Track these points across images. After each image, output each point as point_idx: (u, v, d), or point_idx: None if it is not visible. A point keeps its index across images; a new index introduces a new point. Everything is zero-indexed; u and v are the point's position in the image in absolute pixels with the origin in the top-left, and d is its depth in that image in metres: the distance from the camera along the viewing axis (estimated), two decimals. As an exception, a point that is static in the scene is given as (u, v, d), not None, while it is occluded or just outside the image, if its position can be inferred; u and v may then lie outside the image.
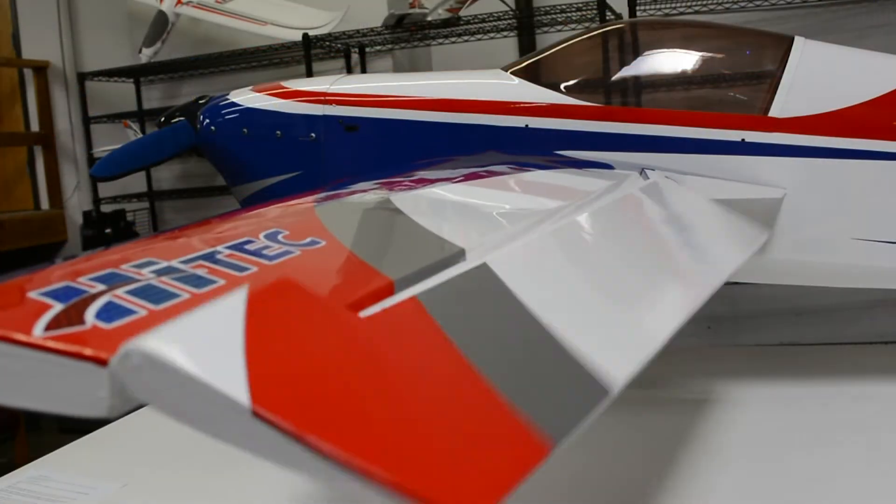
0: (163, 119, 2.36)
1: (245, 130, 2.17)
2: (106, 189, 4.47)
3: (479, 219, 1.31)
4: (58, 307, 0.67)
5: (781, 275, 1.93)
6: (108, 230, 4.42)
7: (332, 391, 0.64)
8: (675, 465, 1.51)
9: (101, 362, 0.60)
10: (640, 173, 1.73)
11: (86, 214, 4.57)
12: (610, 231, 1.32)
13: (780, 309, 3.67)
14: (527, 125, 1.92)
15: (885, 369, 1.97)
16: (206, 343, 0.61)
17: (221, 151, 2.24)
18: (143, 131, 4.28)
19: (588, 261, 1.17)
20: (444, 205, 1.33)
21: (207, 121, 2.23)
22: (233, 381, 0.58)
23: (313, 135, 2.08)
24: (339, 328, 0.73)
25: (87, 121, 4.57)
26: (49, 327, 0.63)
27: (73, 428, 3.15)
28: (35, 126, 4.84)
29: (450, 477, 0.60)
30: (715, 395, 1.85)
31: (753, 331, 3.75)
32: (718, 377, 1.96)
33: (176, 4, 4.07)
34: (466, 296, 0.91)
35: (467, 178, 1.53)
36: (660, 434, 1.65)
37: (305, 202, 1.21)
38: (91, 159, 4.43)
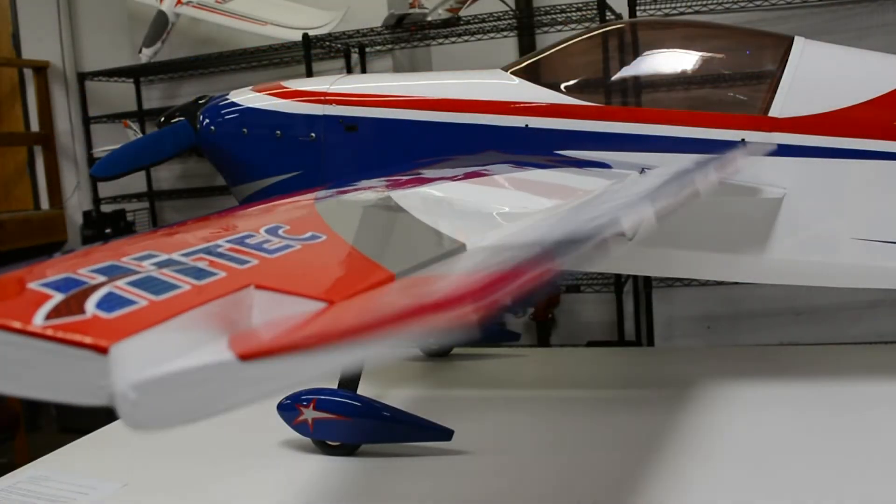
0: (163, 119, 2.36)
1: (245, 130, 2.17)
2: (106, 189, 4.47)
3: (478, 217, 1.32)
4: (58, 297, 0.67)
5: (781, 275, 1.93)
6: (108, 230, 4.42)
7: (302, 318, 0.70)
8: (675, 465, 1.51)
9: (102, 350, 0.60)
10: (640, 173, 1.73)
11: (86, 214, 4.57)
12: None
13: (780, 309, 3.67)
14: (527, 125, 1.92)
15: (885, 369, 1.97)
16: (183, 336, 0.64)
17: (221, 151, 2.24)
18: (143, 131, 4.28)
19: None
20: (444, 203, 1.33)
21: (207, 121, 2.23)
22: (215, 350, 0.62)
23: (313, 135, 2.08)
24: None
25: (87, 121, 4.57)
26: (49, 316, 0.63)
27: (73, 428, 3.15)
28: (35, 126, 4.84)
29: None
30: (714, 395, 1.85)
31: (753, 331, 3.75)
32: (718, 377, 1.96)
33: (176, 4, 4.07)
34: None
35: (467, 176, 1.53)
36: (659, 434, 1.65)
37: (306, 199, 1.21)
38: (91, 159, 4.44)
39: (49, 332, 0.61)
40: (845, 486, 1.40)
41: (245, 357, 0.60)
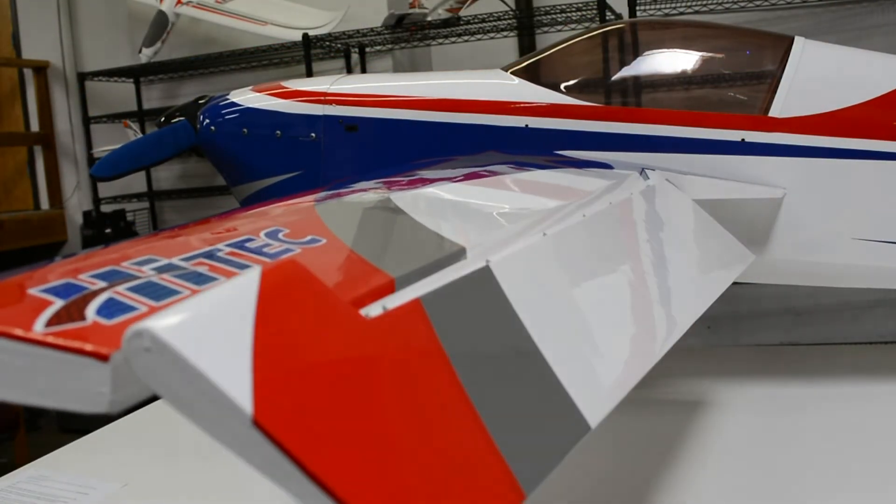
0: (163, 119, 2.36)
1: (245, 130, 2.17)
2: (106, 189, 4.47)
3: (479, 218, 1.31)
4: (58, 303, 0.66)
5: (781, 275, 1.93)
6: (108, 230, 4.42)
7: (333, 410, 0.63)
8: (674, 465, 1.51)
9: (102, 358, 0.59)
10: (640, 173, 1.73)
11: (86, 214, 4.57)
12: (603, 244, 1.31)
13: (780, 309, 3.67)
14: (527, 125, 1.92)
15: (885, 369, 1.97)
16: (216, 335, 0.60)
17: (221, 151, 2.24)
18: (143, 131, 4.28)
19: (581, 276, 1.17)
20: (445, 204, 1.33)
21: (207, 121, 2.23)
22: (237, 384, 0.57)
23: (313, 135, 2.08)
24: (346, 332, 0.72)
25: (87, 121, 4.57)
26: (50, 323, 0.63)
27: (73, 428, 3.15)
28: (35, 126, 4.85)
29: None
30: (714, 396, 1.85)
31: (753, 331, 3.75)
32: (718, 377, 1.96)
33: (176, 4, 4.07)
34: (467, 303, 0.90)
35: (467, 177, 1.53)
36: (659, 434, 1.65)
37: (306, 201, 1.20)
38: (91, 159, 4.44)
39: (50, 340, 0.61)
40: (845, 486, 1.40)
41: (258, 425, 0.56)
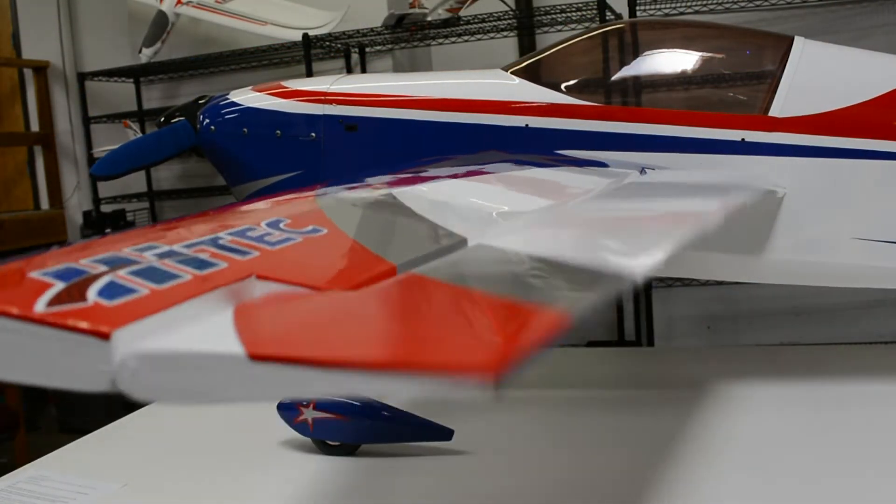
0: (163, 119, 2.36)
1: (245, 130, 2.17)
2: (106, 189, 4.47)
3: (479, 215, 1.31)
4: (60, 285, 0.67)
5: (781, 275, 1.93)
6: (108, 230, 4.42)
7: (319, 321, 0.68)
8: (674, 465, 1.51)
9: (103, 336, 0.60)
10: (640, 172, 1.73)
11: (86, 214, 4.57)
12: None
13: (780, 309, 3.67)
14: (527, 125, 1.92)
15: (885, 369, 1.97)
16: (192, 320, 0.64)
17: (221, 151, 2.24)
18: (143, 131, 4.28)
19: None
20: (446, 200, 1.33)
21: (207, 121, 2.23)
22: (224, 341, 0.61)
23: (313, 134, 2.08)
24: (325, 294, 0.76)
25: (87, 121, 4.57)
26: (51, 303, 0.63)
27: (73, 428, 3.15)
28: (35, 126, 4.84)
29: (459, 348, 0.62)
30: (714, 395, 1.85)
31: (753, 331, 3.75)
32: (718, 377, 1.96)
33: (176, 4, 4.07)
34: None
35: (468, 175, 1.53)
36: (659, 434, 1.65)
37: (307, 195, 1.21)
38: (91, 159, 4.43)
39: (51, 319, 0.61)
40: (845, 485, 1.40)
41: (256, 357, 0.60)
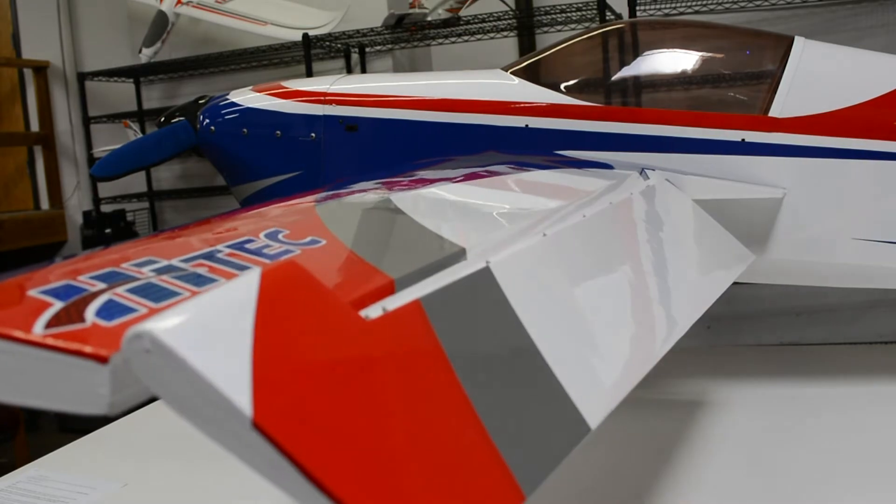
0: (163, 119, 2.36)
1: (245, 130, 2.17)
2: (106, 189, 4.47)
3: (479, 218, 1.31)
4: (58, 305, 0.66)
5: (781, 275, 1.93)
6: (108, 230, 4.41)
7: (332, 411, 0.63)
8: (674, 465, 1.51)
9: (102, 360, 0.59)
10: (640, 173, 1.73)
11: (86, 214, 4.57)
12: (602, 243, 1.31)
13: (780, 309, 3.67)
14: (527, 125, 1.92)
15: (885, 369, 1.97)
16: (215, 336, 0.60)
17: (221, 151, 2.24)
18: (143, 131, 4.28)
19: (580, 276, 1.16)
20: (444, 204, 1.33)
21: (207, 121, 2.23)
22: (237, 386, 0.57)
23: (313, 135, 2.08)
24: (345, 333, 0.71)
25: (87, 121, 4.57)
26: (49, 325, 0.63)
27: (73, 428, 3.15)
28: (35, 126, 4.84)
29: None
30: (715, 395, 1.85)
31: (753, 331, 3.75)
32: (718, 377, 1.96)
33: (176, 4, 4.07)
34: (466, 304, 0.90)
35: (467, 177, 1.53)
36: (659, 434, 1.65)
37: (306, 202, 1.20)
38: (91, 159, 4.43)
39: (49, 342, 0.61)
40: (845, 485, 1.40)
41: (258, 427, 0.56)
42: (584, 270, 1.19)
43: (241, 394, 0.57)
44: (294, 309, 0.67)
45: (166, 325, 0.57)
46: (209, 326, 0.60)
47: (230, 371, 0.58)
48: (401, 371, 0.73)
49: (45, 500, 1.53)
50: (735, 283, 1.56)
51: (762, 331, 3.72)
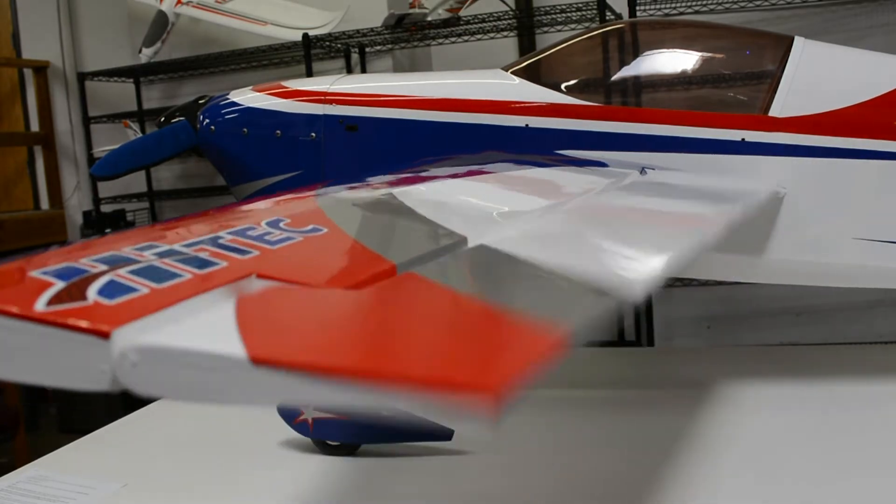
0: (163, 119, 2.36)
1: (245, 130, 2.17)
2: (106, 189, 4.48)
3: (479, 215, 1.31)
4: (60, 284, 0.67)
5: (781, 275, 1.93)
6: (108, 230, 4.42)
7: (322, 329, 0.67)
8: (674, 465, 1.51)
9: (104, 335, 0.60)
10: (640, 172, 1.73)
11: (86, 214, 4.57)
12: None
13: (780, 309, 3.67)
14: (527, 125, 1.92)
15: (886, 369, 1.97)
16: (194, 318, 0.63)
17: (221, 151, 2.24)
18: (143, 131, 4.28)
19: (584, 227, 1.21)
20: (445, 200, 1.33)
21: (207, 121, 2.23)
22: (227, 341, 0.60)
23: (313, 134, 2.08)
24: (325, 294, 0.75)
25: (87, 121, 4.57)
26: (51, 302, 0.63)
27: (73, 428, 3.15)
28: (35, 126, 4.85)
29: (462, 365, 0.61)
30: (714, 395, 1.85)
31: (753, 331, 3.75)
32: (718, 377, 1.96)
33: (176, 4, 4.07)
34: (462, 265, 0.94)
35: (468, 175, 1.53)
36: (659, 434, 1.65)
37: (307, 195, 1.21)
38: (91, 159, 4.43)
39: (51, 318, 0.61)
40: (845, 485, 1.40)
41: (257, 361, 0.59)
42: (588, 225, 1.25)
43: (233, 346, 0.60)
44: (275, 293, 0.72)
45: (137, 335, 0.60)
46: (182, 313, 0.64)
47: (215, 335, 0.61)
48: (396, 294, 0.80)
49: (45, 500, 1.53)
50: (735, 283, 1.56)
51: (762, 331, 3.72)
